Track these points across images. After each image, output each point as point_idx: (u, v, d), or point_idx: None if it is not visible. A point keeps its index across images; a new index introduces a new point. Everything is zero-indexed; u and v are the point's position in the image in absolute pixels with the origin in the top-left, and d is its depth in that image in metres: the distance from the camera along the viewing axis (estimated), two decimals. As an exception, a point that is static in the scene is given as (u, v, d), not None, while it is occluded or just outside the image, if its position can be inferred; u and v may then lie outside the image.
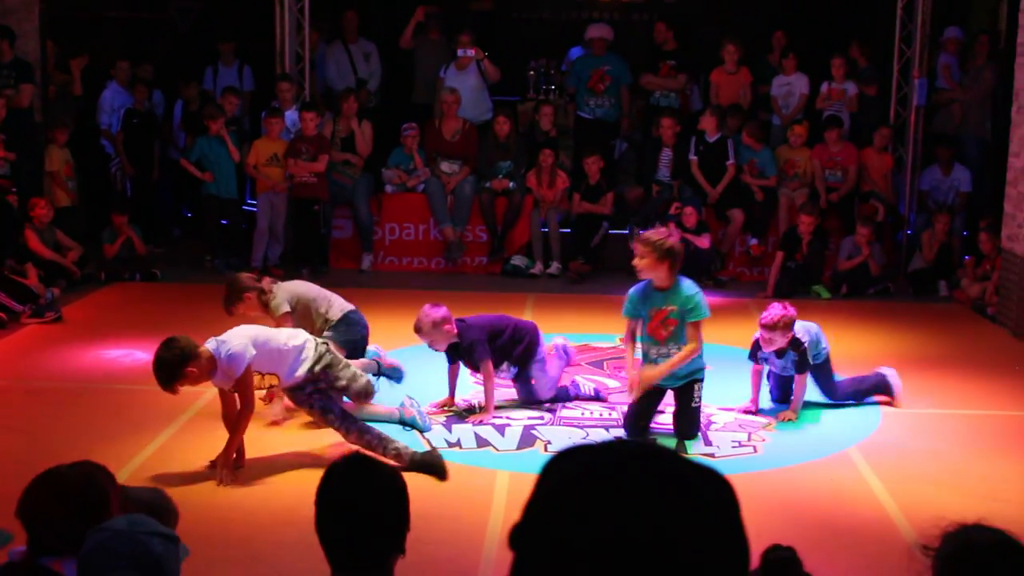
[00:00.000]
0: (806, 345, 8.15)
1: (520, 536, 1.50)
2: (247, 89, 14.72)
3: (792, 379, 8.31)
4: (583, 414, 8.33)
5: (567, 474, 1.51)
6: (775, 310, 8.13)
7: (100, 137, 14.22)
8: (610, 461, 1.51)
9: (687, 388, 7.75)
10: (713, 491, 1.50)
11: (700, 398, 7.82)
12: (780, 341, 8.10)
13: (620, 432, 7.89)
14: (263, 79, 14.94)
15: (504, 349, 8.28)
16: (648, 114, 14.32)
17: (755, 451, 7.66)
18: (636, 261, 7.70)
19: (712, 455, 7.50)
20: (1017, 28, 11.33)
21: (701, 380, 7.80)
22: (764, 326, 8.09)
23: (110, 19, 16.32)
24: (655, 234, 7.80)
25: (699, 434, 7.84)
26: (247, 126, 14.18)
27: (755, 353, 8.35)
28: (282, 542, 5.97)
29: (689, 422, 7.80)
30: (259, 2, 14.20)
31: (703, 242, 12.73)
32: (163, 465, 7.11)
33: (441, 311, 8.00)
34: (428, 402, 8.28)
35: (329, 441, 7.39)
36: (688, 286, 7.73)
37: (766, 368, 8.45)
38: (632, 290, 7.87)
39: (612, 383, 9.06)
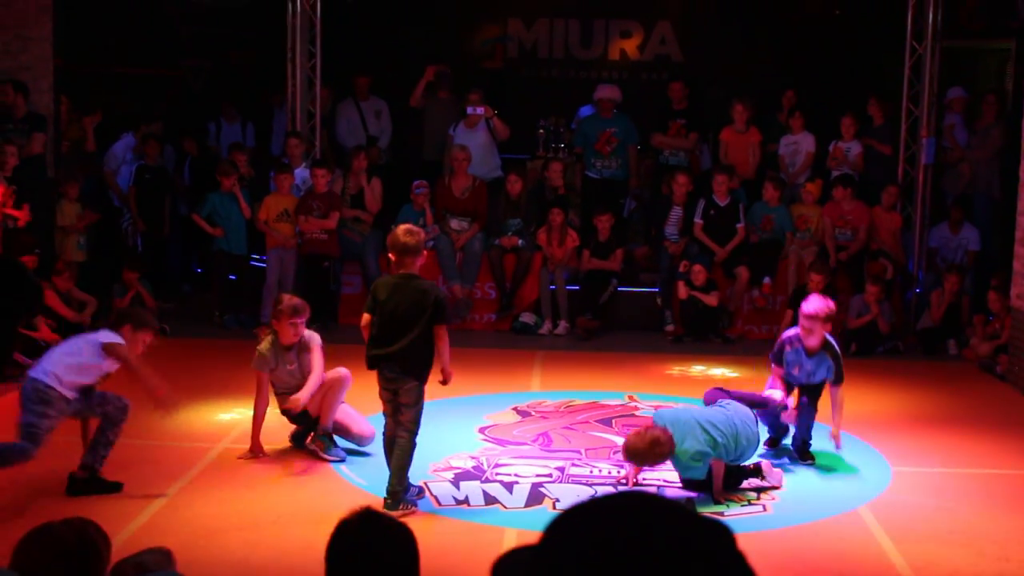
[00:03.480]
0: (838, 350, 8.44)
1: None
2: (248, 146, 14.85)
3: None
4: (591, 472, 8.31)
5: (573, 533, 1.52)
6: (817, 301, 8.36)
7: (108, 189, 14.29)
8: (616, 517, 1.52)
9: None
10: (715, 540, 1.50)
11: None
12: (818, 333, 8.27)
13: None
14: (264, 136, 15.10)
15: None
16: (657, 172, 14.37)
17: (765, 510, 7.63)
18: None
19: (721, 513, 7.47)
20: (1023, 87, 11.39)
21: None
22: (807, 315, 8.26)
23: (123, 76, 16.46)
24: (635, 440, 7.52)
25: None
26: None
27: (780, 354, 8.42)
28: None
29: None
30: (271, 60, 14.33)
31: (712, 300, 12.75)
32: (170, 522, 7.09)
33: None
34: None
35: (337, 498, 7.38)
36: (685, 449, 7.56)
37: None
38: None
39: (620, 440, 9.03)
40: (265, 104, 15.40)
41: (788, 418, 8.53)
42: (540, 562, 1.53)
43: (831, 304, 8.44)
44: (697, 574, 1.45)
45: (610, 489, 7.95)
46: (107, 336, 7.43)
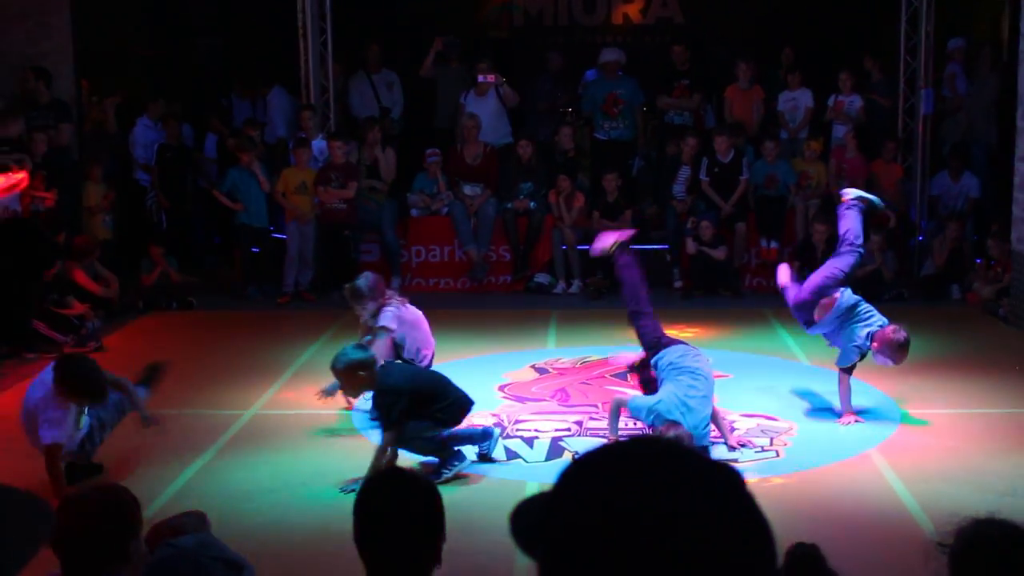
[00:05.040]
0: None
1: (545, 535, 1.50)
2: (260, 121, 14.84)
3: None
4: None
5: (585, 480, 1.52)
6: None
7: (135, 171, 14.31)
8: (627, 462, 1.51)
9: None
10: (725, 482, 1.50)
11: None
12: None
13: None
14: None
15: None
16: (663, 132, 14.33)
17: (778, 455, 7.64)
18: None
19: (736, 460, 7.49)
20: (1019, 37, 11.30)
21: None
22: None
23: (140, 57, 16.44)
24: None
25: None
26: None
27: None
28: (321, 554, 5.98)
29: None
30: (283, 36, 14.29)
31: (719, 254, 12.75)
32: (203, 485, 7.13)
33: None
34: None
35: (363, 459, 7.41)
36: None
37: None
38: None
39: (636, 393, 9.03)
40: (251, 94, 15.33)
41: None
42: (553, 509, 1.52)
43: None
44: (708, 518, 1.44)
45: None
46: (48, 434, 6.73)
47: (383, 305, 8.44)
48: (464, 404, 7.40)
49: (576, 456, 1.57)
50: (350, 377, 7.11)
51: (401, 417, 7.02)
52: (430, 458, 7.24)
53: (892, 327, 8.09)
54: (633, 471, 1.48)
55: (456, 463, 7.24)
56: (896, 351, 8.00)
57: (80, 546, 3.57)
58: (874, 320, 8.21)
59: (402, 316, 8.44)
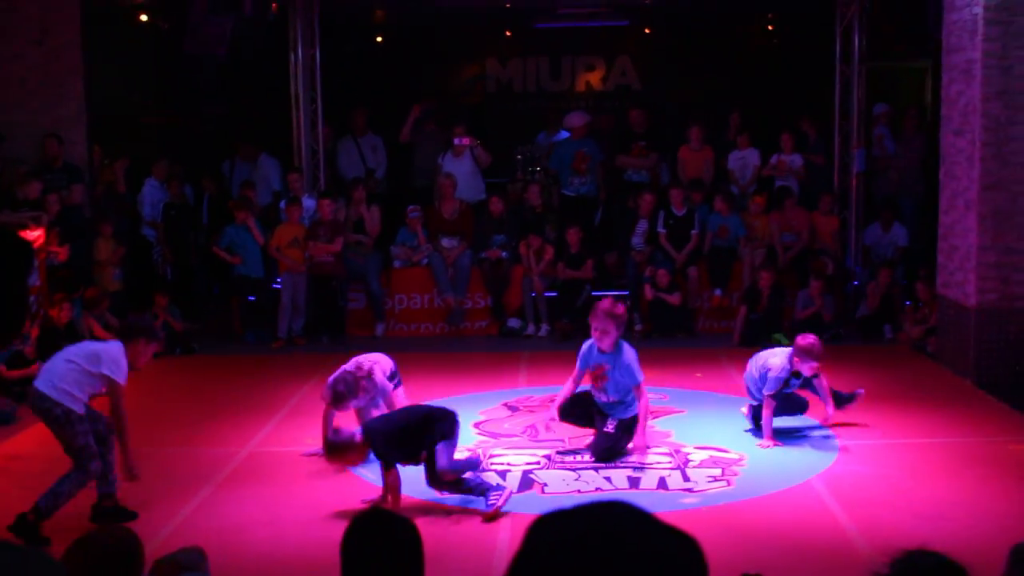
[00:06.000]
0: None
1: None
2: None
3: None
4: (575, 458, 8.31)
5: (549, 542, 1.51)
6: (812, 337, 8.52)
7: (142, 227, 14.26)
8: (590, 529, 1.50)
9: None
10: (681, 560, 1.49)
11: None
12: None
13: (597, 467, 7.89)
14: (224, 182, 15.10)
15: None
16: (622, 189, 14.40)
17: (728, 484, 7.64)
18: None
19: (690, 490, 7.49)
20: (940, 101, 11.45)
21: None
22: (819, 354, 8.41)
23: (148, 124, 16.44)
24: None
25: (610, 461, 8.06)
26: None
27: (784, 385, 8.50)
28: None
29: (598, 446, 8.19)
30: (278, 103, 14.34)
31: (674, 299, 12.79)
32: (202, 519, 7.06)
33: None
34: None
35: (353, 496, 7.37)
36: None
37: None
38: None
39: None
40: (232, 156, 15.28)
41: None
42: (520, 561, 1.52)
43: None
44: None
45: (592, 473, 7.95)
46: (112, 366, 6.84)
47: (368, 389, 8.04)
48: (449, 414, 7.32)
49: (549, 512, 1.54)
50: (343, 456, 7.17)
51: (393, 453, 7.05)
52: (470, 496, 7.18)
53: (799, 336, 8.55)
54: (599, 534, 1.47)
55: (496, 490, 7.18)
56: (810, 351, 8.36)
57: None
58: (779, 352, 8.60)
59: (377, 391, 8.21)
